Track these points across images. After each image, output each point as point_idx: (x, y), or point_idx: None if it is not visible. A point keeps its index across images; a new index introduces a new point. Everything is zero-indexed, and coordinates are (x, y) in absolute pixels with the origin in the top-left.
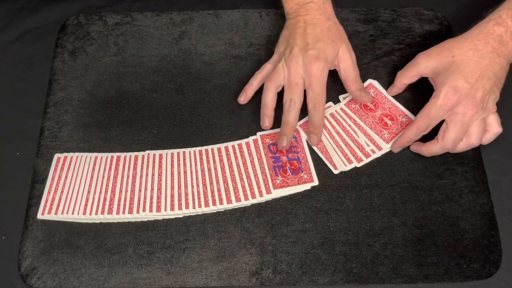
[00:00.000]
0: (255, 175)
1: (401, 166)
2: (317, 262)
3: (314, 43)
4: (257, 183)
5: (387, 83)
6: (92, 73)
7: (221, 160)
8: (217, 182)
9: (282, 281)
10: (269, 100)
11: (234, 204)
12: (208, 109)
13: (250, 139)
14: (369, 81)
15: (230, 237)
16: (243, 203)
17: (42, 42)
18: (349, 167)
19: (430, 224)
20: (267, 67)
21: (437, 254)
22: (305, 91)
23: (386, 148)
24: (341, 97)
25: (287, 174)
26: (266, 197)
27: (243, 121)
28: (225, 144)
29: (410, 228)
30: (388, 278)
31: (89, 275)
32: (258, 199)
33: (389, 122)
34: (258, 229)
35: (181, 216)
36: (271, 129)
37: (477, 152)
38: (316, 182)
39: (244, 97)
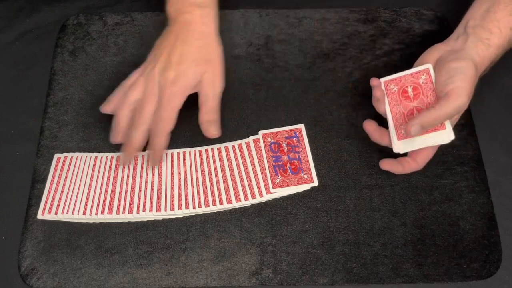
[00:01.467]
0: (255, 175)
1: None
2: (317, 262)
3: (177, 64)
4: (257, 183)
5: None
6: (92, 73)
7: (221, 160)
8: (217, 182)
9: (282, 281)
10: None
11: (234, 204)
12: None
13: (250, 138)
14: (427, 65)
15: (230, 237)
16: (243, 203)
17: (42, 42)
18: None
19: (430, 224)
20: (133, 77)
21: (437, 254)
22: None
23: (394, 144)
24: (382, 78)
25: (287, 173)
26: (266, 197)
27: (243, 121)
28: (225, 144)
29: (410, 228)
30: (388, 278)
31: (89, 275)
32: (258, 199)
33: None
34: (258, 229)
35: (181, 216)
36: (271, 128)
37: (477, 152)
38: (316, 183)
39: (107, 107)
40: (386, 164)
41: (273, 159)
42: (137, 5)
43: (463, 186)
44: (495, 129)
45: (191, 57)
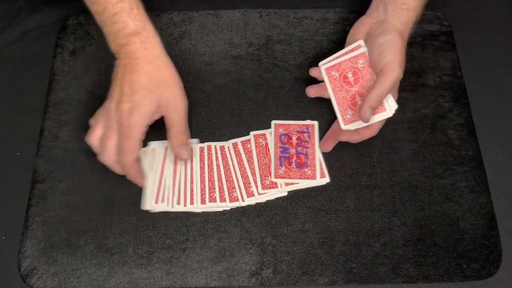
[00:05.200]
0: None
1: (401, 166)
2: (317, 262)
3: (130, 96)
4: (260, 175)
5: None
6: (93, 73)
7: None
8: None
9: (282, 281)
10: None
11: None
12: (208, 109)
13: (251, 135)
14: (363, 49)
15: (230, 237)
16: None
17: (42, 42)
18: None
19: (430, 224)
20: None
21: (437, 254)
22: None
23: (342, 129)
24: (321, 63)
25: (292, 166)
26: (271, 192)
27: (243, 121)
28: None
29: (410, 228)
30: (388, 278)
31: (89, 275)
32: (258, 197)
33: (359, 102)
34: (258, 229)
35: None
36: (284, 119)
37: (477, 152)
38: (318, 180)
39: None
40: (344, 136)
41: (281, 150)
42: None
43: (463, 186)
44: (495, 129)
45: (142, 84)
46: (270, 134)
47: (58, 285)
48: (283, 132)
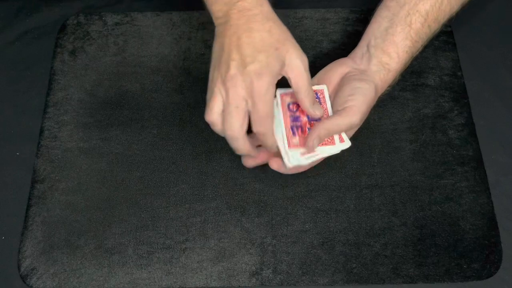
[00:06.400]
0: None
1: (401, 166)
2: (317, 262)
3: (254, 55)
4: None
5: None
6: (92, 73)
7: None
8: None
9: (282, 281)
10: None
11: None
12: None
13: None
14: (323, 86)
15: (230, 237)
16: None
17: (42, 42)
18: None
19: (430, 224)
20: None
21: (437, 254)
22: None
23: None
24: (278, 90)
25: (306, 135)
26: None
27: None
28: None
29: (410, 228)
30: (388, 278)
31: (89, 275)
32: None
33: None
34: (258, 229)
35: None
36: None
37: (477, 152)
38: (338, 146)
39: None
40: (274, 163)
41: (291, 119)
42: (137, 5)
43: (463, 186)
44: (495, 129)
45: (266, 43)
46: (276, 105)
47: (58, 285)
48: (291, 101)
